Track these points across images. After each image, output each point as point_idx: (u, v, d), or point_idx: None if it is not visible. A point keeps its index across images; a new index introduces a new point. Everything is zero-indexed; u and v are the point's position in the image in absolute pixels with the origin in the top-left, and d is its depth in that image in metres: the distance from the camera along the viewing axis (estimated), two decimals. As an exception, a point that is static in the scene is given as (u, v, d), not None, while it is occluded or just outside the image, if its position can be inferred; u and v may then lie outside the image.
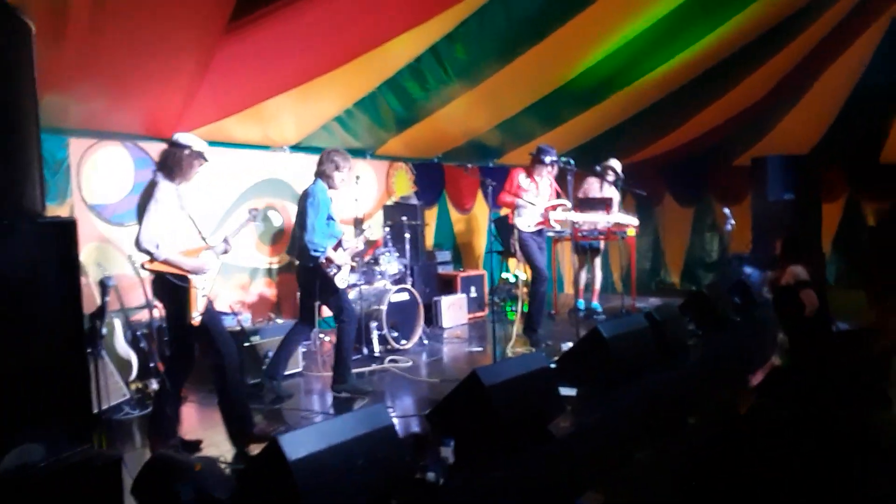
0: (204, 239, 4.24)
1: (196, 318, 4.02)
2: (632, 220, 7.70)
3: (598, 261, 8.56)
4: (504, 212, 7.62)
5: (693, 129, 9.66)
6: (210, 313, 4.16)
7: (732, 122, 9.62)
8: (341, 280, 5.17)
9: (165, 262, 3.96)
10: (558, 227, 6.90)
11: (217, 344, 4.10)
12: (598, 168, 8.31)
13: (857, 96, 8.83)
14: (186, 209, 4.18)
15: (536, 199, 6.68)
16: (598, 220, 7.73)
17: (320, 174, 5.18)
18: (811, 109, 9.20)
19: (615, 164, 8.26)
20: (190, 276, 4.02)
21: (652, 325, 5.35)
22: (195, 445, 4.10)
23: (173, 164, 4.07)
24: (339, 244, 5.20)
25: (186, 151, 4.08)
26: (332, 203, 5.21)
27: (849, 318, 5.53)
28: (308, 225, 5.03)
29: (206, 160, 4.20)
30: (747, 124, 9.77)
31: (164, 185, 4.03)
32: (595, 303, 8.50)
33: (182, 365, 4.19)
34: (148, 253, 3.92)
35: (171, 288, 4.00)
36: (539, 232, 6.74)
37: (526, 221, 6.63)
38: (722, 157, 10.64)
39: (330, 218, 5.15)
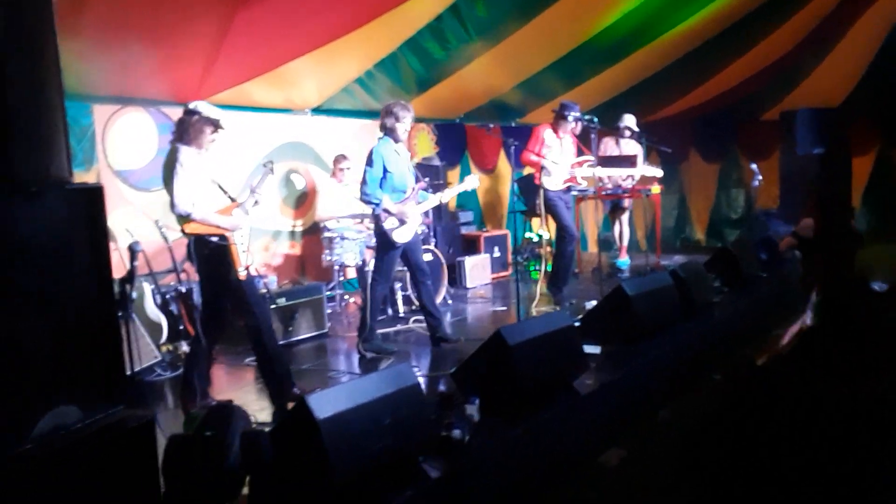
0: (231, 198, 4.28)
1: (242, 272, 4.10)
2: (656, 172, 7.57)
3: (624, 218, 8.50)
4: (527, 171, 7.57)
5: (720, 84, 9.46)
6: (246, 275, 4.22)
7: (760, 75, 9.39)
8: (400, 235, 5.09)
9: (203, 222, 4.02)
10: (584, 184, 6.84)
11: (251, 305, 4.17)
12: (615, 126, 8.18)
13: (888, 48, 8.56)
14: (209, 172, 4.23)
15: (561, 157, 6.61)
16: (623, 173, 7.63)
17: (382, 129, 5.18)
18: (841, 62, 8.94)
19: (629, 119, 8.08)
20: (228, 233, 4.07)
21: (677, 282, 5.33)
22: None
23: (185, 130, 4.11)
24: (409, 199, 5.17)
25: (195, 118, 4.11)
26: (398, 157, 5.16)
27: (882, 273, 5.45)
28: (363, 179, 5.10)
29: (218, 127, 4.20)
30: (776, 78, 9.53)
31: (186, 150, 4.08)
32: (621, 260, 8.48)
33: (216, 325, 4.27)
34: (185, 215, 3.99)
35: (213, 248, 4.05)
36: (566, 190, 6.69)
37: (554, 180, 6.57)
38: (749, 112, 10.41)
39: (387, 172, 5.09)
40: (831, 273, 5.00)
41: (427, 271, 5.39)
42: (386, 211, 5.04)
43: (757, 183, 8.64)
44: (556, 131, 6.65)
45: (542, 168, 6.54)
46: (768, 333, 6.06)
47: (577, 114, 6.58)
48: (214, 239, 4.05)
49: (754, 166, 8.65)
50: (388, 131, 5.15)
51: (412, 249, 5.24)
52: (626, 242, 8.61)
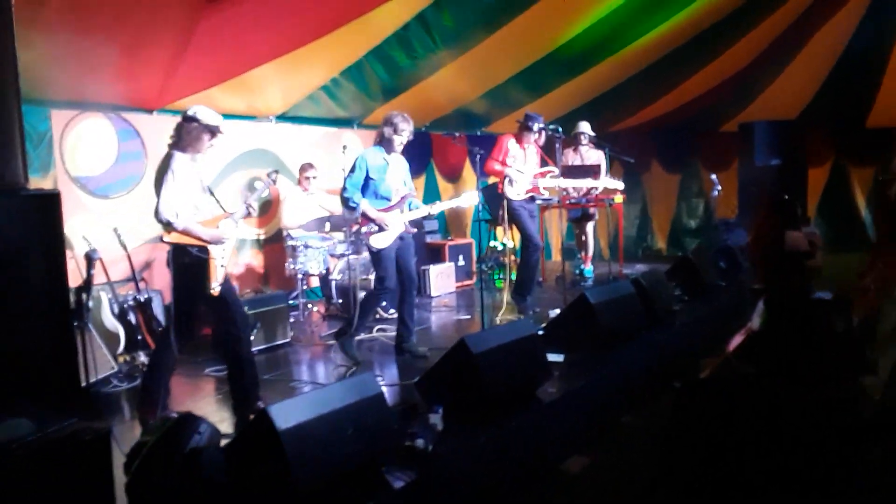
0: (223, 207, 4.22)
1: (216, 288, 4.03)
2: (618, 185, 7.67)
3: (590, 227, 8.57)
4: (492, 180, 7.60)
5: (681, 96, 9.64)
6: (227, 284, 4.16)
7: (720, 88, 9.59)
8: (378, 241, 5.08)
9: (185, 232, 3.95)
10: (547, 194, 6.89)
11: (234, 314, 4.12)
12: (571, 135, 8.23)
13: (844, 62, 8.83)
14: (204, 181, 4.17)
15: (524, 167, 6.66)
16: (585, 185, 7.71)
17: (379, 137, 5.17)
18: (799, 75, 9.19)
19: (584, 126, 8.11)
20: (209, 246, 4.01)
21: (639, 291, 5.40)
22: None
23: (182, 136, 4.04)
24: (394, 207, 5.16)
25: (194, 125, 4.04)
26: (387, 167, 5.14)
27: (834, 283, 5.58)
28: (343, 181, 5.13)
29: (215, 133, 4.13)
30: (735, 90, 9.75)
31: (179, 157, 4.01)
32: (587, 268, 8.55)
33: (188, 334, 4.17)
34: (167, 223, 3.92)
35: (192, 259, 3.98)
36: (529, 199, 6.74)
37: (516, 190, 6.61)
38: (709, 123, 10.63)
39: (369, 178, 5.08)
40: (778, 281, 5.09)
41: (415, 281, 5.39)
42: (364, 216, 5.03)
43: (716, 193, 8.81)
44: (519, 142, 6.69)
45: (505, 178, 6.58)
46: (727, 340, 6.18)
47: (542, 124, 6.63)
48: (194, 250, 3.98)
49: (714, 177, 8.83)
50: (384, 141, 5.14)
51: (402, 256, 5.23)
52: (591, 252, 8.69)
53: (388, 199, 5.16)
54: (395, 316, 6.69)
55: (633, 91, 9.08)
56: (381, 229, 5.07)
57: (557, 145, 7.42)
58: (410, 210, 5.25)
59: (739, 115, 10.19)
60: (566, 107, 9.01)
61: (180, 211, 3.92)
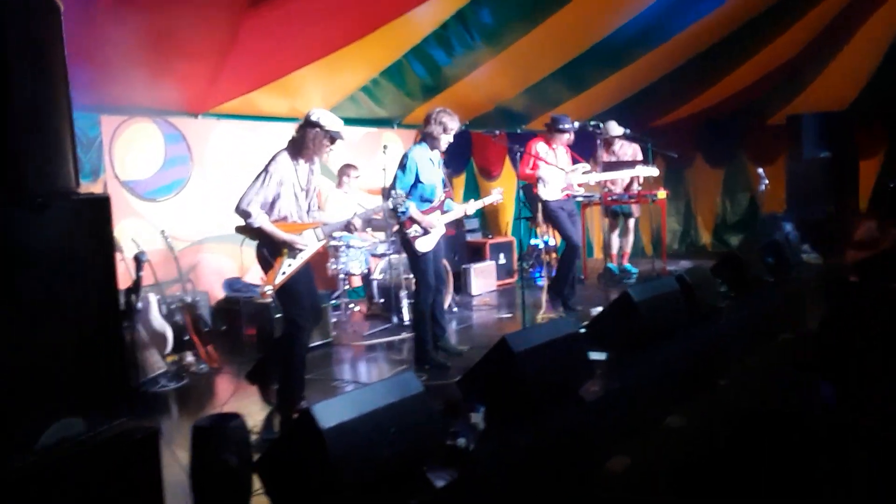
0: (313, 216, 4.30)
1: (267, 290, 4.11)
2: (652, 171, 7.50)
3: (631, 223, 8.47)
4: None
5: (726, 89, 9.45)
6: (302, 282, 4.20)
7: (767, 79, 9.38)
8: (423, 244, 5.04)
9: (259, 230, 4.04)
10: (582, 191, 6.85)
11: (296, 316, 4.16)
12: (603, 138, 8.12)
13: (894, 51, 8.54)
14: (307, 186, 4.24)
15: (558, 166, 6.61)
16: (619, 176, 7.63)
17: (424, 136, 5.13)
18: (848, 65, 8.92)
19: (612, 126, 7.95)
20: (281, 250, 4.09)
21: (683, 287, 5.30)
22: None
23: (304, 141, 4.12)
24: (436, 208, 5.14)
25: (317, 130, 4.11)
26: (431, 166, 5.12)
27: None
28: (392, 184, 5.04)
29: (335, 139, 4.20)
30: (782, 82, 9.52)
31: (281, 159, 4.11)
32: (628, 264, 8.45)
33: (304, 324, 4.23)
34: (243, 216, 4.01)
35: (260, 254, 4.13)
36: (566, 199, 6.69)
37: (550, 191, 6.57)
38: (756, 116, 10.40)
39: (418, 181, 5.04)
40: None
41: (444, 280, 5.37)
42: (411, 219, 5.00)
43: (763, 187, 8.63)
44: (548, 143, 6.69)
45: (538, 180, 6.55)
46: (774, 339, 6.04)
47: (569, 124, 6.62)
48: (264, 249, 4.10)
49: (761, 171, 8.64)
50: (430, 139, 5.08)
51: (435, 257, 5.23)
52: (629, 248, 8.58)
53: (431, 201, 5.13)
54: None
55: (676, 85, 8.92)
56: (425, 232, 5.05)
57: (598, 142, 7.36)
58: (445, 212, 5.23)
59: (786, 108, 9.95)
60: (608, 102, 8.91)
61: (257, 209, 4.00)
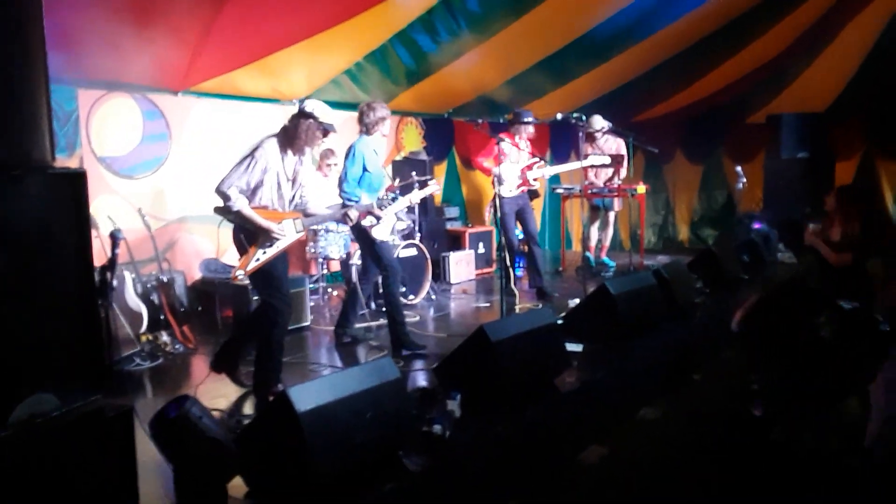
0: (295, 206, 4.27)
1: (238, 274, 4.09)
2: (604, 160, 7.66)
3: (611, 216, 8.52)
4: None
5: (708, 86, 9.51)
6: (280, 267, 4.19)
7: (748, 78, 9.45)
8: (379, 232, 5.11)
9: (238, 214, 3.99)
10: (537, 185, 6.99)
11: (273, 298, 4.14)
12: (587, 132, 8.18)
13: (875, 55, 8.64)
14: (293, 176, 4.21)
15: (516, 162, 6.73)
16: (572, 167, 7.78)
17: (363, 126, 5.17)
18: (828, 67, 9.02)
19: (597, 120, 8.06)
20: (256, 236, 4.05)
21: (660, 282, 5.36)
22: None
23: (290, 130, 4.11)
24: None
25: (310, 121, 4.09)
26: (375, 157, 5.19)
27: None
28: (341, 176, 5.15)
29: (328, 133, 4.20)
30: (763, 81, 9.60)
31: (269, 146, 4.06)
32: (605, 258, 8.51)
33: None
34: (223, 198, 3.96)
35: (236, 237, 4.10)
36: (522, 194, 6.80)
37: (507, 187, 6.69)
38: (736, 114, 10.49)
39: (365, 171, 5.10)
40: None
41: (397, 270, 5.38)
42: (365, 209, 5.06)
43: (741, 185, 8.71)
44: (511, 137, 6.76)
45: (495, 177, 6.60)
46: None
47: (530, 118, 6.79)
48: (241, 234, 4.07)
49: (739, 169, 8.71)
50: (368, 129, 5.15)
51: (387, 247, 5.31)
52: (607, 242, 8.65)
53: (377, 191, 5.25)
54: (414, 302, 6.74)
55: (659, 80, 8.96)
56: (377, 221, 5.09)
57: (581, 134, 7.39)
58: (393, 202, 5.29)
59: (767, 107, 10.04)
60: (591, 95, 8.93)
61: (236, 193, 3.95)
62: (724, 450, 3.83)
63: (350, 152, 5.14)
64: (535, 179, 6.89)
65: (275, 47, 5.92)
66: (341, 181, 5.16)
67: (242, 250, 4.09)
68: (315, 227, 6.60)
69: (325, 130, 4.17)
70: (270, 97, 7.06)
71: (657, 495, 3.36)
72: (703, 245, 10.39)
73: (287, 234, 4.17)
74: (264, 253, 4.10)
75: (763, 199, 9.82)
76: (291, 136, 4.11)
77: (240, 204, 3.97)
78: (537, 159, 6.87)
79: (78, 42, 4.67)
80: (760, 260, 7.25)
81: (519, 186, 6.76)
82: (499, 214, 5.80)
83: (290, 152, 4.15)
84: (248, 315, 4.46)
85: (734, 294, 6.36)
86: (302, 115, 4.11)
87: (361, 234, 5.13)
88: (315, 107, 4.11)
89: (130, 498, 2.41)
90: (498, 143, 6.00)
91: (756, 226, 8.70)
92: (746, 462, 3.70)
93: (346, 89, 7.28)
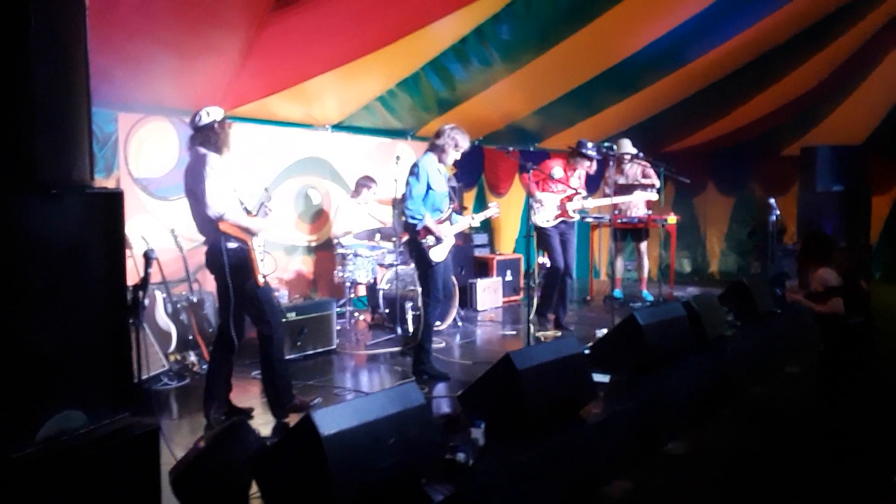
0: (247, 209, 4.29)
1: (261, 279, 4.12)
2: (651, 196, 7.51)
3: (643, 247, 8.42)
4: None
5: (741, 118, 9.46)
6: (265, 285, 4.23)
7: (783, 110, 9.38)
8: (437, 254, 5.06)
9: (235, 224, 4.04)
10: (577, 217, 6.87)
11: (267, 315, 4.19)
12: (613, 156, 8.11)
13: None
14: (232, 180, 4.25)
15: (563, 191, 6.65)
16: (618, 200, 7.59)
17: (433, 147, 5.15)
18: (865, 100, 8.93)
19: (626, 144, 8.00)
20: (250, 240, 4.10)
21: (689, 314, 5.28)
22: (248, 413, 4.29)
23: (213, 137, 4.13)
24: (446, 219, 5.14)
25: (217, 123, 4.15)
26: (440, 176, 5.14)
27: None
28: (406, 193, 5.07)
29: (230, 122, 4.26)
30: (798, 113, 9.52)
31: (213, 157, 4.11)
32: (645, 291, 8.38)
33: (238, 331, 4.24)
34: (219, 216, 4.00)
35: (234, 253, 4.05)
36: (560, 223, 6.72)
37: (544, 217, 6.63)
38: (770, 146, 10.39)
39: (430, 189, 5.06)
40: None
41: (451, 295, 5.37)
42: (426, 229, 5.01)
43: (774, 218, 8.58)
44: (566, 167, 6.71)
45: (536, 202, 6.58)
46: (780, 371, 5.99)
47: (594, 153, 6.65)
48: (235, 245, 4.06)
49: (772, 201, 8.60)
50: (439, 151, 5.11)
51: (445, 269, 5.22)
52: (645, 274, 8.53)
53: (441, 211, 5.15)
54: (441, 328, 6.73)
55: (691, 112, 8.94)
56: (437, 241, 5.06)
57: (611, 163, 7.37)
58: (452, 224, 5.25)
59: (801, 139, 9.94)
60: (620, 125, 8.92)
61: (227, 204, 4.03)
62: (753, 489, 3.74)
63: (415, 170, 5.07)
64: (573, 211, 6.77)
65: (310, 73, 6.02)
66: (405, 198, 5.09)
67: (244, 261, 4.10)
68: (344, 251, 6.65)
69: (227, 121, 4.23)
70: (303, 122, 7.17)
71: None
72: (734, 277, 10.24)
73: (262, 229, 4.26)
74: (262, 249, 4.20)
75: (797, 233, 9.67)
76: (217, 141, 4.16)
77: (233, 214, 4.07)
78: (578, 191, 6.74)
79: (119, 67, 4.80)
80: (793, 294, 7.11)
81: (557, 217, 6.70)
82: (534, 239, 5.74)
83: (224, 156, 4.19)
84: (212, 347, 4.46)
85: (766, 328, 6.25)
86: (211, 121, 4.15)
87: (419, 255, 5.07)
88: (209, 111, 4.14)
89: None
90: (528, 171, 6.01)
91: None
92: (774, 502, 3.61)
93: (377, 115, 7.37)
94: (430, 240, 5.00)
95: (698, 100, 8.58)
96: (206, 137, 4.13)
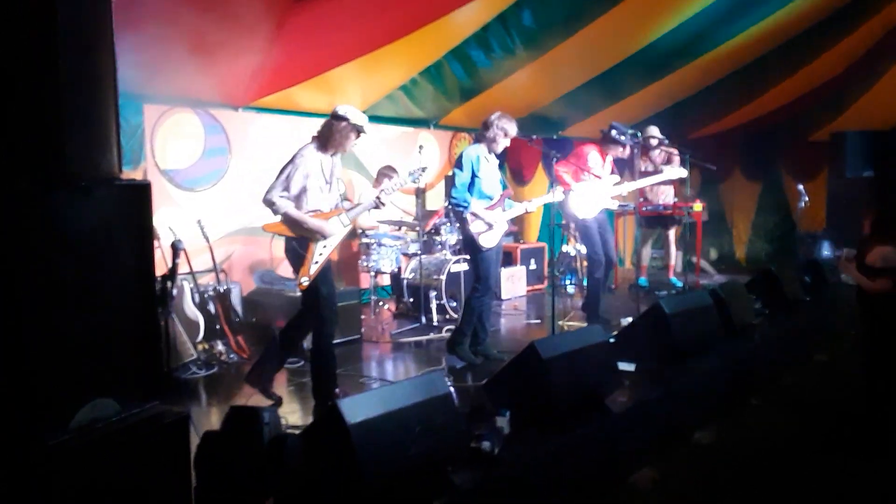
0: (343, 205, 4.39)
1: (304, 282, 4.17)
2: (681, 172, 7.29)
3: (671, 234, 8.34)
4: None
5: (768, 103, 9.30)
6: (326, 278, 4.27)
7: (811, 95, 9.21)
8: (486, 240, 5.07)
9: (286, 217, 4.13)
10: (615, 205, 6.73)
11: (321, 308, 4.25)
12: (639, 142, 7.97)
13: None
14: (331, 178, 4.33)
15: (599, 179, 6.45)
16: (645, 183, 7.36)
17: (481, 138, 5.19)
18: (895, 84, 8.72)
19: (653, 130, 7.86)
20: (310, 241, 4.16)
21: (716, 302, 5.23)
22: (279, 400, 4.36)
23: (327, 133, 4.25)
24: (496, 205, 5.15)
25: (343, 123, 4.24)
26: (488, 164, 5.16)
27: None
28: (451, 181, 5.18)
29: (360, 133, 4.32)
30: (827, 98, 9.34)
31: (307, 151, 4.21)
32: (673, 278, 8.31)
33: (308, 321, 4.35)
34: (269, 205, 4.12)
35: (290, 248, 4.21)
36: (600, 212, 6.60)
37: (585, 208, 6.37)
38: (798, 132, 10.21)
39: (475, 177, 5.09)
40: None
41: (499, 282, 5.36)
42: (474, 215, 5.03)
43: (803, 204, 8.46)
44: (601, 153, 6.54)
45: (570, 192, 6.44)
46: (810, 359, 5.92)
47: (627, 138, 6.45)
48: (293, 241, 4.18)
49: (801, 187, 8.48)
50: (488, 141, 5.13)
51: (495, 258, 5.24)
52: (672, 261, 8.44)
53: (490, 198, 5.15)
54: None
55: (717, 97, 8.81)
56: (489, 228, 5.07)
57: (636, 151, 7.27)
58: (505, 210, 5.23)
59: (830, 124, 9.75)
60: (645, 112, 8.81)
61: (281, 197, 4.10)
62: (782, 479, 3.71)
63: (459, 160, 5.16)
64: (612, 198, 6.62)
65: (333, 63, 6.02)
66: (451, 187, 5.19)
67: (298, 259, 4.18)
68: (367, 241, 6.67)
69: (358, 131, 4.29)
70: (327, 112, 7.15)
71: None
72: (761, 265, 10.12)
73: (336, 231, 4.28)
74: (321, 255, 4.20)
75: (826, 219, 9.53)
76: (327, 138, 4.26)
77: (285, 206, 4.11)
78: (613, 177, 6.61)
79: (144, 58, 4.84)
80: (823, 281, 7.01)
81: (598, 205, 6.56)
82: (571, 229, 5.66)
83: (327, 155, 4.29)
84: (280, 330, 4.53)
85: (795, 316, 6.17)
86: (335, 117, 4.26)
87: (468, 241, 5.11)
88: (347, 110, 4.27)
89: (184, 502, 2.45)
90: (554, 160, 5.93)
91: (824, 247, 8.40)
92: (804, 493, 3.58)
93: (400, 104, 7.36)
94: (478, 225, 5.01)
95: (725, 85, 8.45)
96: (324, 132, 4.27)
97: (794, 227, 9.61)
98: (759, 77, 8.45)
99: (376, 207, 4.47)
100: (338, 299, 4.58)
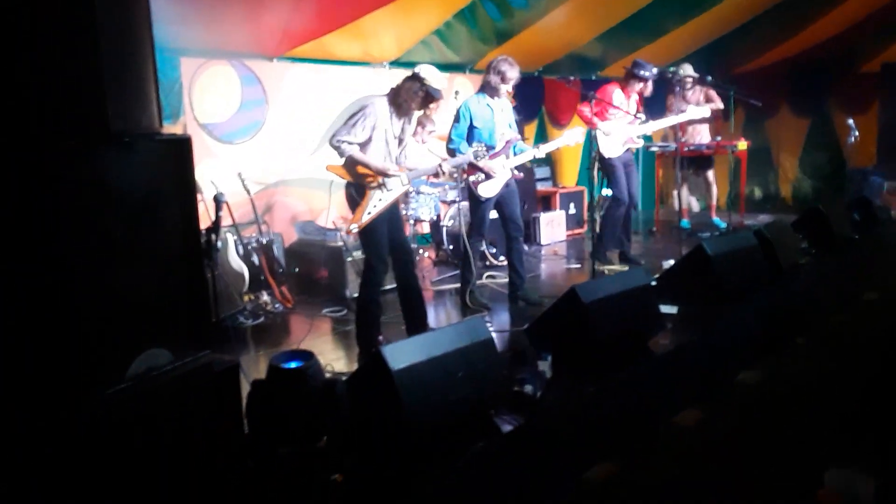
0: (399, 164, 4.41)
1: (353, 228, 4.27)
2: (703, 112, 7.09)
3: (710, 175, 8.17)
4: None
5: (816, 34, 8.92)
6: (379, 224, 4.30)
7: (861, 25, 8.80)
8: (486, 189, 5.12)
9: (349, 160, 4.18)
10: (641, 143, 6.63)
11: (368, 255, 4.40)
12: (675, 80, 7.75)
13: None
14: (401, 135, 4.36)
15: (625, 118, 6.38)
16: (673, 122, 7.19)
17: (484, 85, 5.18)
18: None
19: (687, 69, 7.69)
20: (367, 188, 4.22)
21: (761, 242, 5.13)
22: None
23: (397, 90, 4.25)
24: (499, 154, 5.15)
25: (413, 84, 4.22)
26: (490, 112, 5.17)
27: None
28: (448, 133, 5.22)
29: (431, 98, 4.29)
30: (878, 26, 8.91)
31: (378, 104, 4.22)
32: (716, 218, 8.19)
33: (380, 269, 4.44)
34: (335, 148, 4.19)
35: (347, 192, 4.31)
36: (627, 152, 6.52)
37: (610, 147, 6.37)
38: (848, 63, 9.79)
39: (473, 127, 5.12)
40: None
41: (521, 226, 5.40)
42: (471, 164, 5.03)
43: (853, 139, 8.18)
44: (625, 90, 6.42)
45: (597, 131, 6.34)
46: (859, 298, 5.80)
47: (653, 74, 6.34)
48: (351, 187, 4.27)
49: (851, 121, 8.18)
50: (488, 88, 5.13)
51: (506, 202, 5.25)
52: (714, 201, 8.31)
53: (493, 147, 5.12)
54: (505, 263, 6.72)
55: (761, 30, 8.48)
56: (487, 177, 5.04)
57: (677, 88, 7.09)
58: (516, 155, 5.20)
59: (882, 55, 9.33)
60: (686, 49, 8.55)
61: (349, 142, 4.15)
62: (830, 417, 3.68)
63: (457, 111, 5.18)
64: (637, 137, 6.56)
65: (365, 9, 5.94)
66: (448, 140, 5.22)
67: (354, 205, 4.24)
68: (406, 189, 6.66)
69: (429, 94, 4.23)
70: (361, 60, 7.12)
71: (757, 460, 3.27)
72: (808, 203, 9.86)
73: (395, 187, 4.31)
74: (375, 207, 4.25)
75: (877, 154, 9.20)
76: (395, 96, 4.24)
77: (351, 150, 4.16)
78: (639, 115, 6.52)
79: (180, 12, 4.83)
80: (873, 219, 6.81)
81: (624, 144, 6.51)
82: (595, 170, 5.63)
83: (397, 112, 4.27)
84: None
85: (843, 255, 6.03)
86: (412, 76, 4.24)
87: (468, 190, 5.20)
88: (425, 71, 4.22)
89: (239, 447, 2.55)
90: (590, 101, 5.83)
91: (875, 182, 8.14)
92: (853, 429, 3.56)
93: (435, 50, 7.26)
94: (477, 175, 4.99)
95: (770, 17, 8.12)
96: (395, 91, 4.26)
97: (844, 164, 9.31)
98: (805, 8, 8.09)
99: (436, 175, 4.48)
100: (409, 246, 4.68)
